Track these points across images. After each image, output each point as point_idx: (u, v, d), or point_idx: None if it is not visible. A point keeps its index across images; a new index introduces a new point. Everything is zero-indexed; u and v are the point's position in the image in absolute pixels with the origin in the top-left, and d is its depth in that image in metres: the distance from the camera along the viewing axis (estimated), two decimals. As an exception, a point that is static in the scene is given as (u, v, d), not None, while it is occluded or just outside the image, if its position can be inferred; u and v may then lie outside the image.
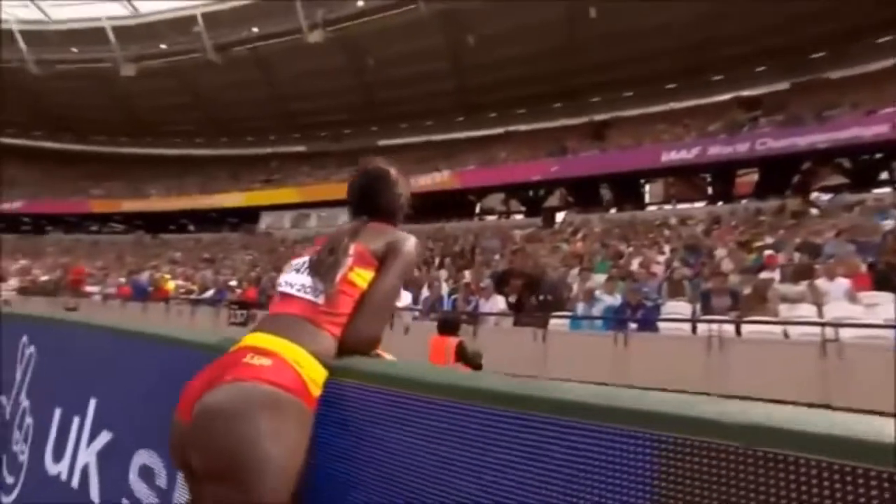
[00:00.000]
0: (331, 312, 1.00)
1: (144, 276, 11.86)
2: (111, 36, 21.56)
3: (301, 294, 1.02)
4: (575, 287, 6.83)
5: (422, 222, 19.13)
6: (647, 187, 19.15)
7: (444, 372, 0.86)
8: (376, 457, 0.89)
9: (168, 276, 11.27)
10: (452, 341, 5.01)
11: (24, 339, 2.43)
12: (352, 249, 1.07)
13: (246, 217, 23.01)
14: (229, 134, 26.35)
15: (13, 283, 14.26)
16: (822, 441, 0.52)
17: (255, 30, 20.35)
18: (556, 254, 9.53)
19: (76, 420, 1.82)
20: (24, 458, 2.11)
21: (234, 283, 9.45)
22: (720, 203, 15.00)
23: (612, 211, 15.85)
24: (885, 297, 5.10)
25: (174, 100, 24.51)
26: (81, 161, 28.11)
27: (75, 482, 1.74)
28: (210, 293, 9.40)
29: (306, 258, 1.10)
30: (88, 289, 11.72)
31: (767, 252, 7.16)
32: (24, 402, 2.24)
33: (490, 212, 22.90)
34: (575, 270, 7.47)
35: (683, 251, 8.07)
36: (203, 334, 1.42)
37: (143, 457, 1.40)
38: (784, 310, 5.55)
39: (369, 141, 25.50)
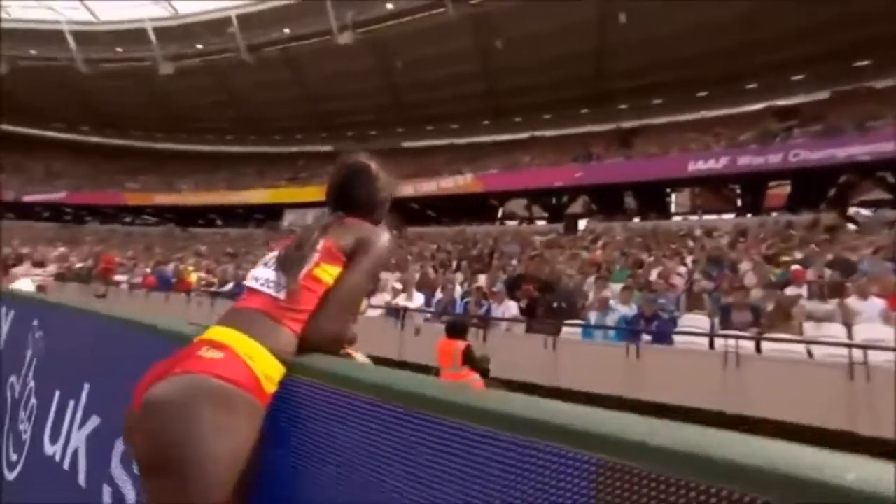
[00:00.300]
0: (291, 308, 0.99)
1: (169, 268, 12.23)
2: (152, 36, 22.39)
3: (264, 289, 1.01)
4: (591, 295, 6.69)
5: (443, 224, 19.20)
6: (673, 197, 18.68)
7: (400, 378, 0.83)
8: (325, 457, 0.87)
9: (191, 269, 11.60)
10: (460, 345, 4.98)
11: (35, 322, 2.52)
12: (320, 245, 1.05)
13: (271, 214, 23.50)
14: (259, 132, 27.01)
15: (52, 269, 14.94)
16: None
17: (287, 31, 20.82)
18: (575, 261, 9.37)
19: (71, 403, 1.87)
20: (26, 437, 2.18)
21: (251, 279, 9.62)
22: (749, 215, 14.50)
23: (636, 220, 15.50)
24: (922, 319, 4.82)
25: (208, 98, 25.31)
26: (121, 155, 29.33)
27: (66, 464, 1.79)
28: (229, 286, 9.61)
29: (276, 252, 1.09)
30: (117, 277, 12.16)
31: (795, 267, 6.87)
32: (31, 384, 2.32)
33: (512, 216, 22.77)
34: (592, 278, 7.32)
35: (706, 263, 7.81)
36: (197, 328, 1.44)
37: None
38: (810, 328, 5.31)
39: (395, 142, 25.73)
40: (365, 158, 1.27)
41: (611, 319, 5.62)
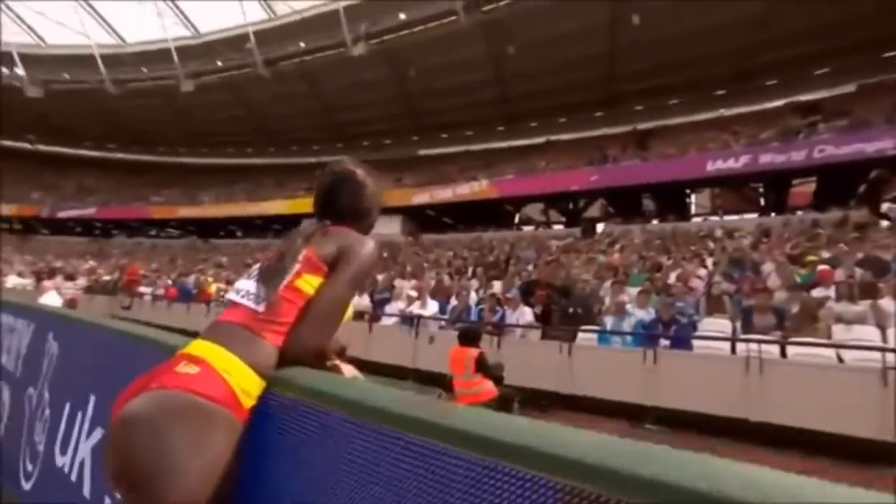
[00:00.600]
0: (271, 321, 0.97)
1: (190, 279, 12.51)
2: (175, 55, 23.16)
3: (244, 301, 1.01)
4: (607, 300, 6.57)
5: (459, 231, 19.17)
6: (693, 198, 18.26)
7: (372, 394, 0.81)
8: (300, 473, 0.86)
9: (211, 280, 11.84)
10: (473, 352, 4.94)
11: (50, 335, 2.60)
12: (301, 255, 1.04)
13: (289, 224, 23.81)
14: (277, 144, 27.54)
15: (81, 282, 15.46)
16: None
17: (302, 44, 21.23)
18: (591, 265, 9.22)
19: (79, 415, 1.91)
20: (41, 447, 2.23)
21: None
22: (773, 214, 14.05)
23: (655, 222, 15.20)
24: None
25: (227, 112, 25.97)
26: (146, 171, 30.30)
27: (74, 476, 1.82)
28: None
29: (260, 264, 1.09)
30: (141, 289, 12.50)
31: (822, 267, 6.59)
32: (46, 395, 2.38)
33: (529, 222, 22.62)
34: (608, 283, 7.18)
35: (727, 265, 7.58)
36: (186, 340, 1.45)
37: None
38: (839, 331, 5.09)
39: (410, 150, 25.92)
40: (350, 165, 1.24)
41: (627, 324, 5.49)
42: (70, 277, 16.00)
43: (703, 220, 15.43)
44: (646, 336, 5.11)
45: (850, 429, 3.86)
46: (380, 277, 10.71)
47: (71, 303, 10.92)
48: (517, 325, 6.21)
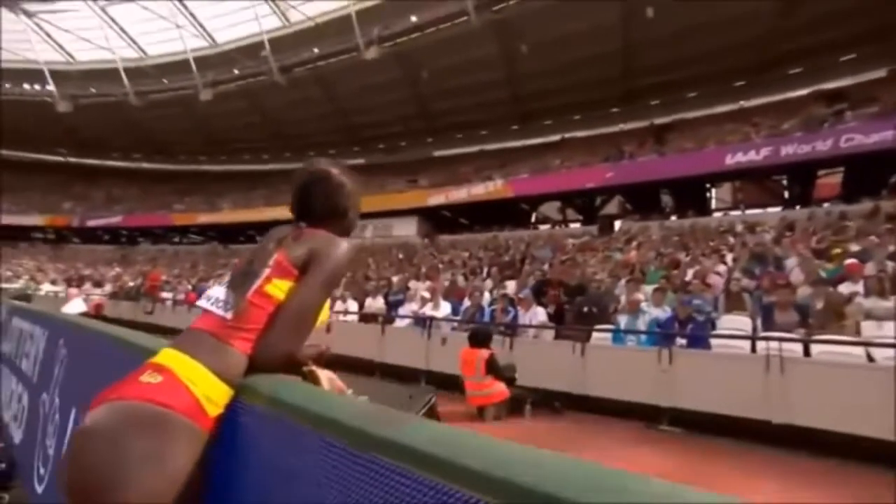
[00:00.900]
0: (238, 327, 0.96)
1: (209, 284, 12.76)
2: (193, 66, 23.75)
3: (213, 308, 0.99)
4: (623, 299, 6.43)
5: (475, 232, 19.12)
6: (713, 192, 17.79)
7: (329, 404, 0.78)
8: (266, 484, 0.84)
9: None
10: (483, 354, 4.91)
11: (61, 341, 2.66)
12: (272, 259, 1.02)
13: (306, 228, 24.16)
14: (293, 149, 27.93)
15: (108, 288, 15.97)
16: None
17: (316, 50, 21.50)
18: (607, 263, 9.06)
19: (82, 421, 1.94)
20: (51, 452, 2.29)
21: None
22: (798, 207, 13.57)
23: (673, 218, 14.86)
24: None
25: (244, 120, 26.51)
26: (168, 179, 31.16)
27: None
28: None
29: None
30: (163, 295, 12.82)
31: (850, 261, 6.31)
32: (56, 401, 2.44)
33: (545, 220, 22.43)
34: (624, 281, 7.04)
35: (748, 260, 7.34)
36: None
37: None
38: (869, 328, 4.88)
39: (426, 152, 26.01)
40: (325, 165, 1.20)
41: (642, 323, 5.37)
42: (97, 284, 16.55)
43: (724, 215, 15.01)
44: (661, 335, 4.98)
45: (882, 432, 3.67)
46: (395, 279, 10.74)
47: (97, 308, 11.28)
48: (529, 326, 6.14)
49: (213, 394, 0.89)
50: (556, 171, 18.54)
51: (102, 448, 0.78)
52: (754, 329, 5.12)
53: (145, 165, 32.98)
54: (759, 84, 17.72)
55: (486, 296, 7.87)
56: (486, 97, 21.99)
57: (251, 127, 26.99)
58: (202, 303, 1.03)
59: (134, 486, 0.76)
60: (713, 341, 4.92)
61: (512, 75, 20.94)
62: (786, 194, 16.13)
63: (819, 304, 5.16)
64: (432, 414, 1.48)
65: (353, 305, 8.92)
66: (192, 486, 0.84)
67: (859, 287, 5.64)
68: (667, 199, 17.34)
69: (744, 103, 17.95)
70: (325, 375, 1.11)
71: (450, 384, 5.50)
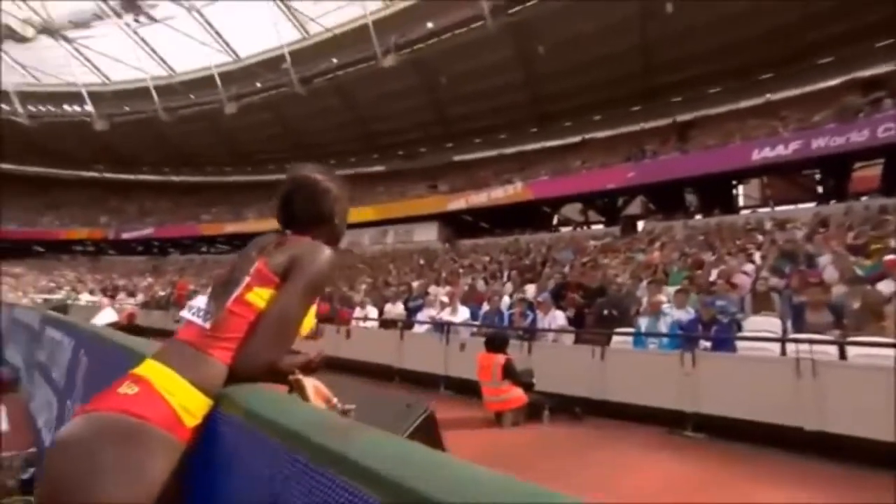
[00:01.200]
0: (217, 337, 0.95)
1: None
2: (218, 80, 24.54)
3: (194, 318, 1.00)
4: (644, 301, 6.26)
5: (496, 235, 19.02)
6: (740, 189, 17.19)
7: (292, 415, 0.76)
8: (241, 496, 0.83)
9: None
10: (500, 359, 4.85)
11: (82, 350, 2.75)
12: (253, 268, 1.01)
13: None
14: (314, 158, 28.21)
15: (140, 298, 16.57)
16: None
17: (335, 60, 21.89)
18: (629, 264, 8.85)
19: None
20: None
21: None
22: (832, 202, 12.98)
23: (698, 217, 14.42)
24: None
25: (268, 131, 27.19)
26: (196, 191, 32.19)
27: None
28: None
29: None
30: (191, 303, 13.16)
31: (889, 257, 5.97)
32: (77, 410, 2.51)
33: (567, 223, 22.16)
34: (646, 282, 6.85)
35: (777, 258, 7.04)
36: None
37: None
38: (913, 329, 4.58)
39: (445, 157, 26.09)
40: (309, 171, 1.18)
41: (664, 325, 5.20)
42: (131, 294, 17.16)
43: (752, 213, 14.48)
44: (684, 337, 4.82)
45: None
46: (415, 284, 10.76)
47: (129, 317, 11.67)
48: (547, 330, 6.04)
49: (190, 404, 0.89)
50: (576, 172, 18.30)
51: (75, 459, 0.79)
52: (784, 330, 4.89)
53: (174, 178, 34.18)
54: (787, 76, 17.08)
55: (506, 300, 7.80)
56: (505, 100, 21.94)
57: (274, 138, 27.64)
58: (184, 313, 1.03)
59: (106, 498, 0.76)
60: (739, 344, 4.73)
61: (530, 77, 20.83)
62: (819, 189, 15.45)
63: (855, 304, 4.89)
64: (429, 427, 1.45)
65: (372, 312, 8.97)
66: (170, 497, 0.84)
67: (902, 285, 5.33)
68: (691, 198, 16.87)
69: (770, 96, 17.33)
70: (310, 384, 1.10)
71: (469, 389, 5.46)
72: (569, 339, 5.96)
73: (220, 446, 0.90)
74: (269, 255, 1.03)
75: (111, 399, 0.86)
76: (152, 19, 22.06)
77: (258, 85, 24.04)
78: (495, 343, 5.00)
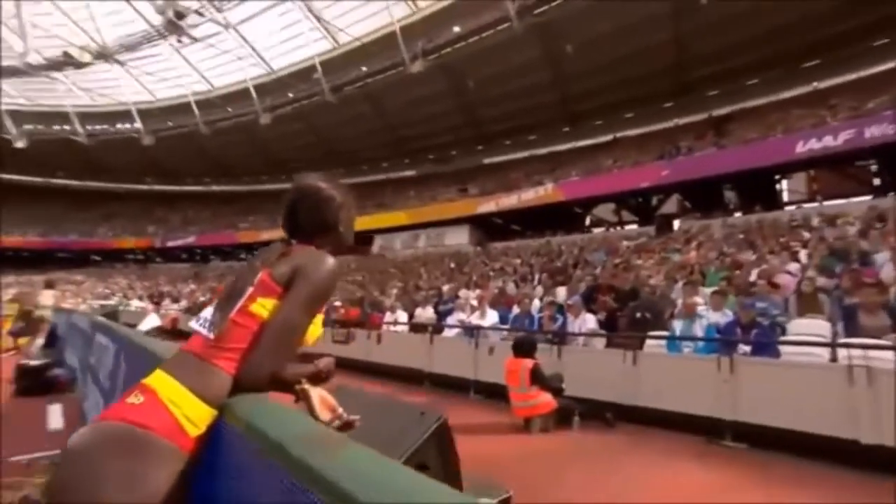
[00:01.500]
0: (221, 347, 0.97)
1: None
2: (253, 93, 25.47)
3: (200, 329, 1.02)
4: (679, 303, 6.02)
5: (528, 237, 18.82)
6: (784, 184, 16.27)
7: (292, 432, 0.75)
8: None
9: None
10: (527, 363, 4.77)
11: (122, 355, 2.89)
12: (257, 278, 1.02)
13: (361, 240, 24.95)
14: (345, 165, 29.03)
15: (183, 303, 17.32)
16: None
17: (364, 68, 22.29)
18: (663, 265, 8.55)
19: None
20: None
21: (338, 303, 10.18)
22: (891, 195, 12.10)
23: (738, 214, 13.76)
24: None
25: (301, 140, 28.00)
26: (234, 200, 33.50)
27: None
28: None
29: None
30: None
31: (954, 255, 5.54)
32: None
33: (600, 223, 21.67)
34: (681, 284, 6.59)
35: (826, 256, 6.62)
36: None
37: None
38: None
39: (476, 160, 26.08)
40: (314, 181, 1.19)
41: (699, 328, 4.98)
42: (175, 300, 17.98)
43: (798, 208, 13.68)
44: (721, 341, 4.59)
45: None
46: (445, 288, 10.76)
47: (173, 322, 12.21)
48: (577, 334, 5.89)
49: (193, 414, 0.90)
50: (608, 171, 17.87)
51: (80, 467, 0.82)
52: (834, 334, 4.58)
53: (214, 188, 35.68)
54: (836, 62, 16.07)
55: (536, 303, 7.68)
56: (534, 101, 21.74)
57: (307, 147, 28.41)
58: (192, 324, 1.05)
59: None
60: (783, 349, 4.46)
61: (558, 77, 20.55)
62: (875, 181, 14.45)
63: (916, 304, 4.54)
64: (442, 436, 1.42)
65: (402, 316, 9.03)
66: (172, 504, 0.86)
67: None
68: (730, 195, 16.13)
69: (817, 84, 16.38)
70: (316, 394, 1.09)
71: (498, 394, 5.39)
72: (600, 342, 5.79)
73: (224, 456, 0.91)
74: (272, 266, 1.04)
75: (119, 409, 0.89)
76: (193, 39, 23.15)
77: (290, 95, 24.78)
78: (523, 348, 4.92)
